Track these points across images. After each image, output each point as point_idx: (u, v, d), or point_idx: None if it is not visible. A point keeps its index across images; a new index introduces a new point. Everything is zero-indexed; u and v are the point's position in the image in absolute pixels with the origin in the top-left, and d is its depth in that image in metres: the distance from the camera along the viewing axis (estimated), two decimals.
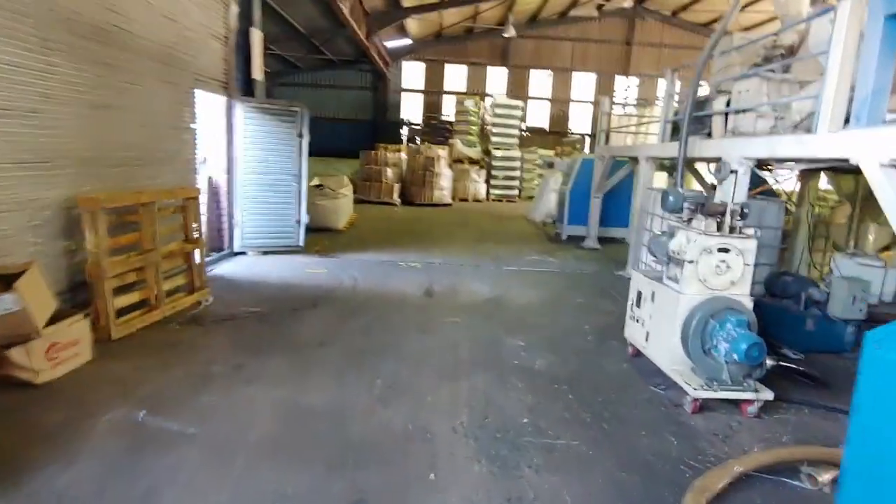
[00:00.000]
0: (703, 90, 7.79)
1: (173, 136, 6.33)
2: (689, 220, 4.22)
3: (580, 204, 11.21)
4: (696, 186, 9.13)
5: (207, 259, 7.36)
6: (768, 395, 3.80)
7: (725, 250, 3.95)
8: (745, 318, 3.78)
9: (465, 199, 18.66)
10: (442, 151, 17.11)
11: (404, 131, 24.02)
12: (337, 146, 23.11)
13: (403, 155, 17.84)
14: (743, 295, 4.01)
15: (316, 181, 11.13)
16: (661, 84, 24.29)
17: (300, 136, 8.11)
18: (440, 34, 23.15)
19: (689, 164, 8.99)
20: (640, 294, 4.67)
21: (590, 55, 23.65)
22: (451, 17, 20.66)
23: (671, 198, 4.48)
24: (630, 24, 23.43)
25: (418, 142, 21.04)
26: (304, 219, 8.30)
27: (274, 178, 8.03)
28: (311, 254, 8.45)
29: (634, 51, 23.44)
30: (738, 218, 4.06)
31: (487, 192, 19.38)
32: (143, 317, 4.97)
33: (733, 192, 4.81)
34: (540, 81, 23.86)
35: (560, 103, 24.02)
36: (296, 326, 5.21)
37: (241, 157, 7.76)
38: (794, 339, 5.09)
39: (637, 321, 4.69)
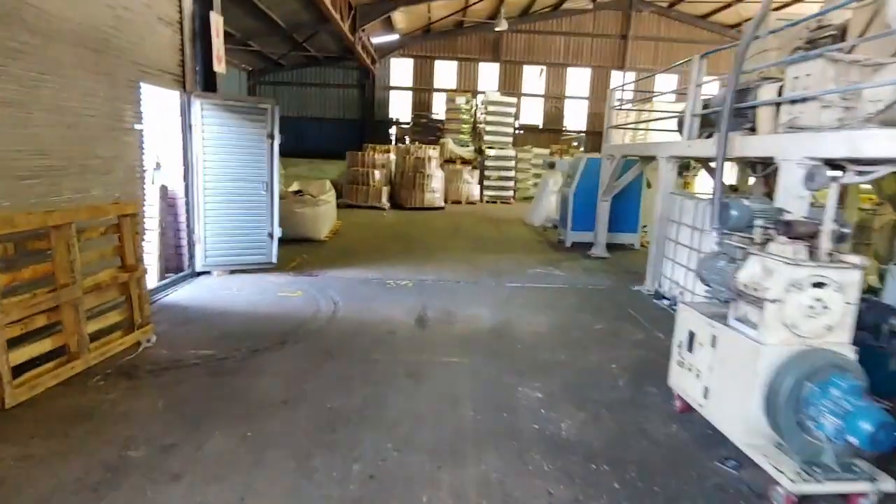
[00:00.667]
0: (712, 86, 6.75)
1: (110, 139, 5.20)
2: (765, 243, 3.17)
3: (585, 208, 10.18)
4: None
5: (163, 283, 6.25)
6: (889, 484, 2.76)
7: (820, 285, 2.91)
8: (858, 382, 2.74)
9: (458, 202, 17.59)
10: (433, 151, 16.03)
11: (393, 131, 22.90)
12: (323, 147, 21.98)
13: (392, 156, 16.74)
14: (844, 345, 2.97)
15: (295, 186, 10.01)
16: (660, 80, 23.36)
17: (271, 136, 7.00)
18: (429, 29, 22.03)
19: (704, 162, 7.98)
20: (692, 336, 3.62)
21: (584, 50, 22.63)
22: (440, 10, 19.55)
23: (734, 211, 3.44)
24: (625, 17, 22.42)
25: (408, 141, 19.94)
26: (277, 232, 7.19)
27: (241, 186, 6.92)
28: (286, 271, 7.34)
29: (630, 45, 22.45)
30: (837, 240, 3.02)
31: (481, 194, 18.32)
32: (58, 370, 3.86)
33: (825, 204, 3.75)
34: (532, 77, 22.82)
35: (554, 100, 22.99)
36: (254, 377, 4.11)
37: (201, 163, 6.64)
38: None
39: (689, 370, 3.64)
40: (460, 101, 19.49)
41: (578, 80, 22.99)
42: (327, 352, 4.67)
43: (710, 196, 5.43)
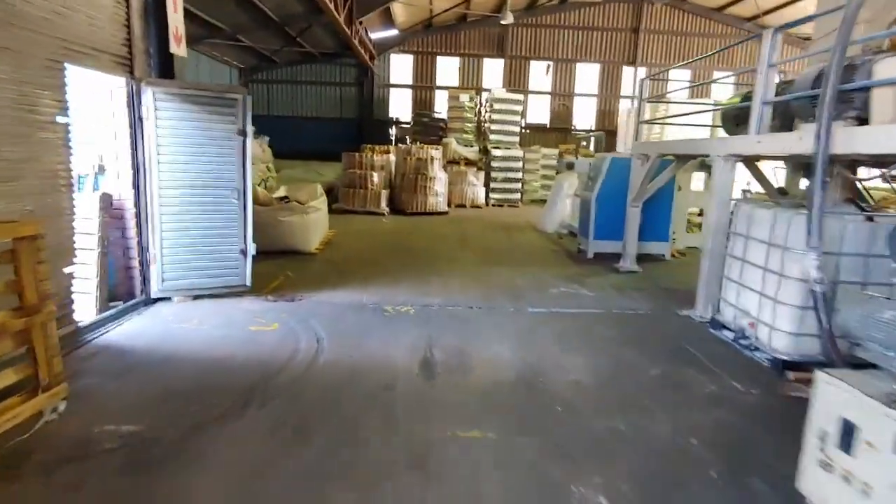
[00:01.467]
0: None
1: (16, 136, 3.93)
2: None
3: (610, 214, 8.91)
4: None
5: (105, 315, 4.98)
6: None
7: None
8: None
9: (463, 205, 16.32)
10: (435, 152, 14.75)
11: (393, 131, 21.64)
12: (319, 148, 20.71)
13: (392, 157, 15.47)
14: None
15: (281, 192, 8.75)
16: (673, 75, 22.09)
17: (242, 133, 5.73)
18: (430, 23, 20.78)
19: (751, 162, 6.62)
20: (848, 428, 2.34)
21: (593, 44, 21.36)
22: (442, 2, 18.29)
23: None
24: (637, 10, 21.15)
25: (408, 142, 18.67)
26: (251, 248, 5.91)
27: (206, 193, 5.65)
28: (263, 295, 6.07)
29: (642, 39, 21.17)
30: None
31: (487, 197, 17.05)
32: None
33: None
34: (539, 73, 21.55)
35: (562, 97, 21.72)
36: (190, 474, 2.84)
37: (154, 165, 5.37)
38: None
39: (844, 480, 2.36)
40: (464, 98, 18.22)
41: (587, 76, 21.71)
42: (300, 424, 3.40)
43: (789, 203, 4.18)
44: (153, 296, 5.58)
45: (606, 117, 21.76)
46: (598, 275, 7.88)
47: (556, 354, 4.71)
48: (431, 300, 6.16)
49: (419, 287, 6.72)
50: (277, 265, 7.52)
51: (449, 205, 15.41)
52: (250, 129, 5.74)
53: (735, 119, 7.07)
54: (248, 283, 5.95)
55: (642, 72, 21.46)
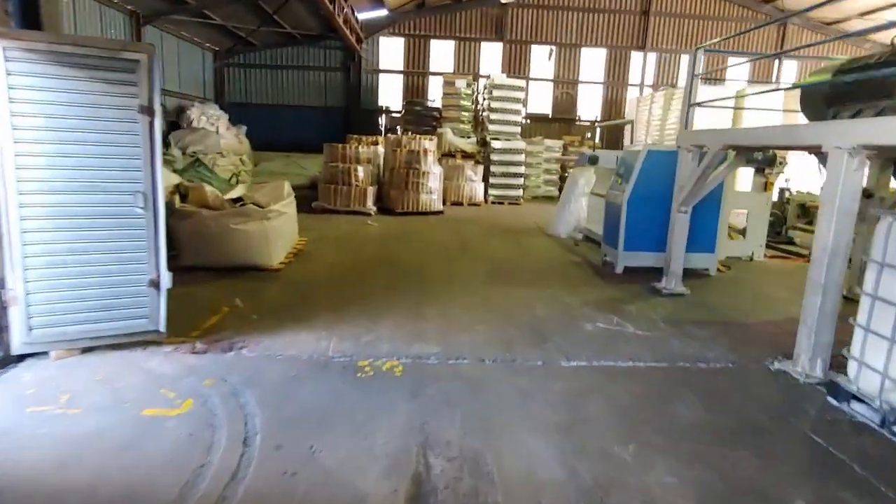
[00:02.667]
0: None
1: None
2: None
3: (646, 220, 7.17)
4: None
5: None
6: None
7: None
8: None
9: (459, 203, 14.48)
10: (428, 143, 12.89)
11: (383, 120, 19.72)
12: (302, 139, 18.77)
13: (380, 149, 13.59)
14: None
15: (237, 192, 6.88)
16: (685, 61, 20.29)
17: (147, 111, 3.85)
18: (423, 3, 18.83)
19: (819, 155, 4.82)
20: None
21: (600, 27, 19.48)
22: None
23: None
24: None
25: (399, 132, 16.78)
26: (166, 278, 4.06)
27: (96, 201, 3.79)
28: (190, 341, 4.23)
29: (652, 22, 19.33)
30: None
31: (486, 193, 15.23)
32: None
33: None
34: (541, 59, 19.66)
35: (565, 85, 19.86)
36: None
37: (9, 160, 3.52)
38: None
39: None
40: (460, 84, 16.34)
41: (593, 62, 19.85)
42: None
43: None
44: (15, 351, 3.73)
45: (613, 107, 19.95)
46: (638, 299, 6.11)
47: (627, 465, 2.91)
48: (426, 347, 4.35)
49: (410, 323, 4.91)
50: (225, 289, 5.69)
51: (444, 202, 13.59)
52: (159, 105, 3.86)
53: (829, 99, 5.28)
54: (162, 326, 4.10)
55: (652, 57, 19.66)
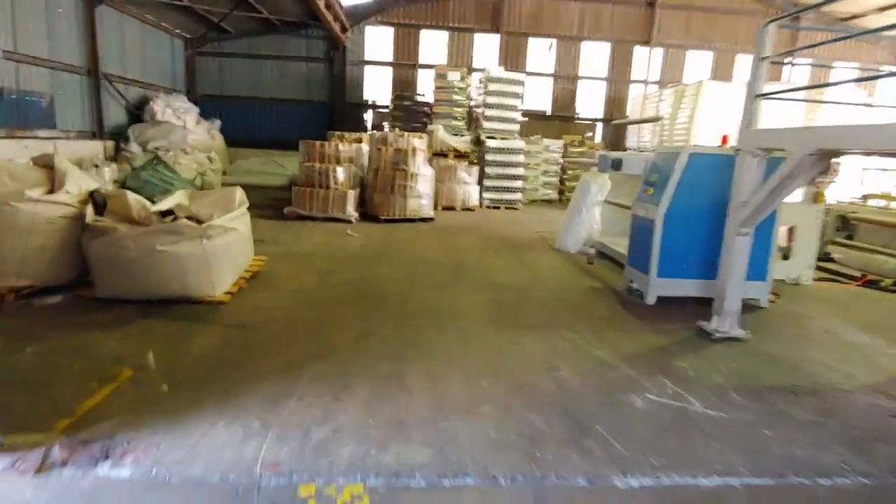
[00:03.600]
0: None
1: None
2: None
3: (687, 239, 5.75)
4: None
5: None
6: None
7: None
8: None
9: (452, 208, 12.99)
10: (418, 141, 11.37)
11: (369, 116, 18.13)
12: (282, 135, 17.18)
13: (364, 146, 12.04)
14: None
15: (170, 202, 5.29)
16: (692, 57, 18.91)
17: None
18: None
19: None
20: None
21: (603, 20, 18.02)
22: None
23: None
24: None
25: (387, 129, 15.21)
26: None
27: None
28: (37, 446, 2.69)
29: (659, 15, 17.90)
30: None
31: (481, 197, 13.75)
32: None
33: None
34: (540, 53, 18.16)
35: (566, 80, 18.38)
36: None
37: None
38: None
39: None
40: (453, 77, 14.80)
41: (595, 57, 18.39)
42: None
43: None
44: None
45: (616, 105, 18.53)
46: (688, 348, 4.65)
47: None
48: (409, 453, 2.84)
49: (387, 401, 3.39)
50: (139, 335, 4.16)
51: (435, 206, 12.09)
52: None
53: None
54: None
55: (658, 53, 18.25)
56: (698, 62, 18.50)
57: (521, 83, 14.56)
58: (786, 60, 16.77)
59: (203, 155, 12.83)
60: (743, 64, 18.30)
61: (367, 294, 5.79)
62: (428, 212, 11.08)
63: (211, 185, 12.29)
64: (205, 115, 16.48)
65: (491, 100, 14.28)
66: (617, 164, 7.07)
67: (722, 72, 18.16)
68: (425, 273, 6.84)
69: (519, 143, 14.20)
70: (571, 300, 6.02)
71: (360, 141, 12.78)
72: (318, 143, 10.92)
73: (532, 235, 10.09)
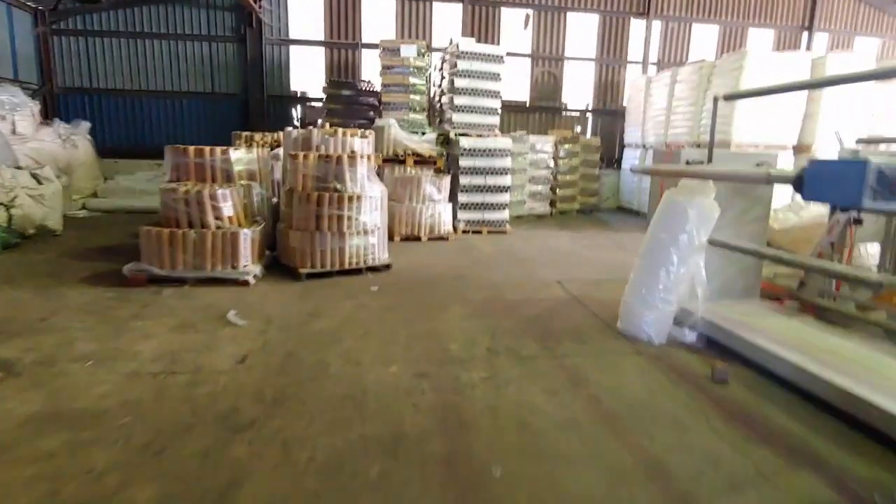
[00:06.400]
0: None
1: None
2: None
3: None
4: None
5: None
6: None
7: None
8: None
9: (415, 238, 8.73)
10: (360, 143, 7.00)
11: (298, 112, 13.54)
12: (178, 141, 12.22)
13: (280, 152, 7.59)
14: None
15: None
16: (697, 32, 15.19)
17: None
18: None
19: None
20: None
21: None
22: None
23: None
24: None
25: (319, 127, 10.68)
26: None
27: None
28: None
29: None
30: None
31: (455, 218, 9.54)
32: None
33: None
34: (515, 26, 14.05)
35: (547, 62, 14.35)
36: None
37: None
38: None
39: None
40: (408, 52, 10.47)
41: (582, 32, 14.45)
42: None
43: None
44: None
45: (609, 91, 14.65)
46: None
47: None
48: None
49: None
50: None
51: (391, 236, 7.84)
52: None
53: None
54: None
55: (657, 26, 14.48)
56: (703, 39, 14.86)
57: (500, 59, 10.38)
58: None
59: (25, 173, 7.99)
60: (755, 40, 14.81)
61: None
62: (380, 255, 6.73)
63: (31, 222, 7.53)
64: (65, 114, 11.55)
65: (461, 83, 10.05)
66: (772, 179, 2.94)
67: (731, 50, 14.58)
68: (379, 479, 2.52)
69: (504, 142, 10.04)
70: None
71: (269, 145, 8.31)
72: (192, 149, 6.37)
73: (554, 291, 5.93)
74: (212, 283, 5.67)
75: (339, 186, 6.27)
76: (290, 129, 7.39)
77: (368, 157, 6.70)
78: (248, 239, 5.92)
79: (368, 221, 6.47)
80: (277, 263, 6.51)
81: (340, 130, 7.07)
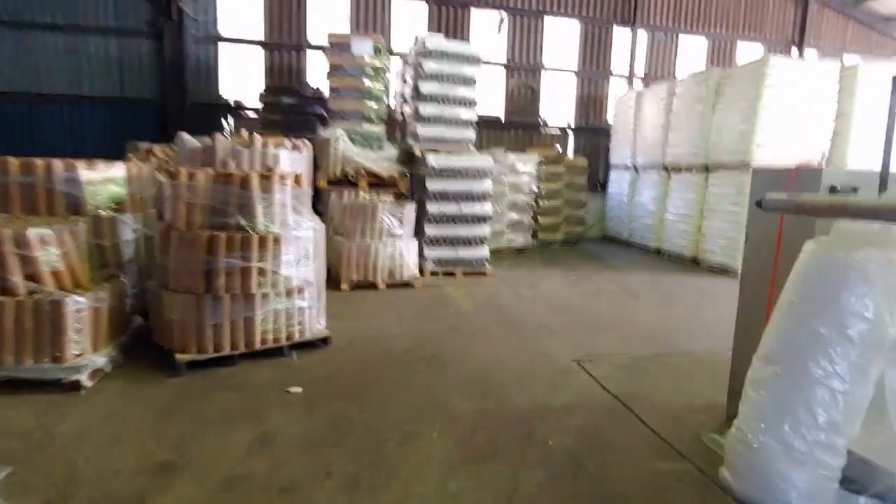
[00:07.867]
0: None
1: None
2: None
3: None
4: None
5: None
6: None
7: None
8: None
9: (371, 285, 6.45)
10: (287, 156, 4.73)
11: (230, 122, 11.10)
12: (80, 156, 9.73)
13: (160, 177, 5.20)
14: None
15: None
16: (684, 44, 13.48)
17: None
18: None
19: None
20: None
21: None
22: None
23: None
24: None
25: (233, 134, 8.22)
26: None
27: None
28: None
29: None
30: None
31: (421, 257, 7.34)
32: None
33: None
34: (487, 31, 12.15)
35: (524, 73, 12.48)
36: None
37: None
38: None
39: None
40: (361, 48, 8.27)
41: (561, 39, 12.68)
42: None
43: None
44: None
45: (592, 106, 12.90)
46: None
47: None
48: None
49: None
50: None
51: (336, 285, 5.56)
52: None
53: None
54: None
55: (643, 35, 12.89)
56: (690, 52, 13.39)
57: (475, 60, 8.39)
58: None
59: None
60: (744, 54, 13.45)
61: None
62: (312, 324, 4.43)
63: None
64: None
65: (428, 87, 7.95)
66: None
67: (719, 64, 13.16)
68: None
69: (482, 160, 7.96)
70: None
71: (130, 162, 5.96)
72: (15, 162, 3.97)
73: (578, 383, 3.77)
74: (11, 389, 3.24)
75: (245, 222, 3.97)
76: (184, 134, 5.04)
77: (296, 179, 4.42)
78: (82, 310, 3.53)
79: (294, 275, 4.18)
80: (148, 341, 4.12)
81: (260, 139, 4.79)
